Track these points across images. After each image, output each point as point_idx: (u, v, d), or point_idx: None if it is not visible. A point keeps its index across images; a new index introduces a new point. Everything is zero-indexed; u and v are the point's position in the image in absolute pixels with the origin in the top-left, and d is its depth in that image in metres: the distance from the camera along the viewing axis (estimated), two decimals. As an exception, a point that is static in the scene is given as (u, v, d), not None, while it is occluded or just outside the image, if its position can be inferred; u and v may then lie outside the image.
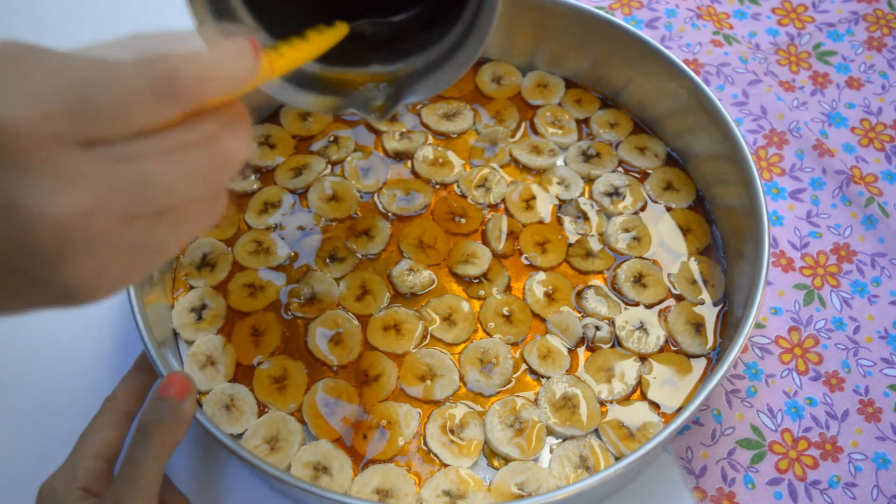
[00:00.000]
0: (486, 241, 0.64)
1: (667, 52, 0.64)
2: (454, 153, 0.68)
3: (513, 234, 0.64)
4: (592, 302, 0.60)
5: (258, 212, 0.65)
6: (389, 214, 0.65)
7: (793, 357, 0.61)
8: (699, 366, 0.58)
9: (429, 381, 0.57)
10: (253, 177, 0.67)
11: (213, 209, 0.32)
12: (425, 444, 0.55)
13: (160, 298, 0.59)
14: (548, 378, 0.57)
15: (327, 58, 0.47)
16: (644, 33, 0.65)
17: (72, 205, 0.26)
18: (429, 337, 0.59)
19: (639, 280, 0.61)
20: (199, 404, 0.56)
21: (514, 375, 0.58)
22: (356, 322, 0.60)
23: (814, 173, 0.69)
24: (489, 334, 0.59)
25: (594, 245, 0.63)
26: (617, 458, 0.54)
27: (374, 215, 0.65)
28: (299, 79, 0.52)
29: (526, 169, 0.67)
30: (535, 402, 0.56)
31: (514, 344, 0.59)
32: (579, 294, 0.61)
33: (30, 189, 0.26)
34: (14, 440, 0.58)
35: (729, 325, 0.59)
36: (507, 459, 0.54)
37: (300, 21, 0.44)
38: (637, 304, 0.61)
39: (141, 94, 0.27)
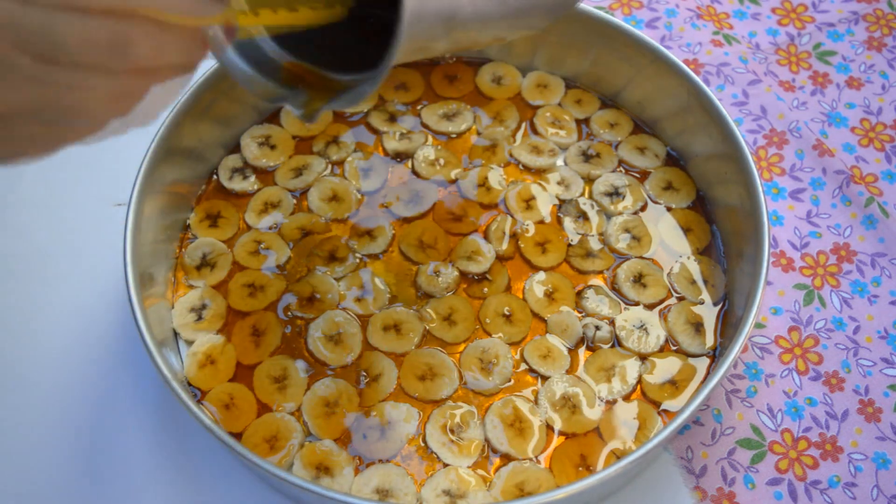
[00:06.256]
0: (487, 241, 0.64)
1: (667, 52, 0.64)
2: (454, 153, 0.68)
3: (514, 237, 0.64)
4: (592, 302, 0.60)
5: (258, 212, 0.65)
6: (399, 218, 0.65)
7: (793, 357, 0.61)
8: (699, 365, 0.58)
9: (429, 381, 0.57)
10: (253, 177, 0.67)
11: (117, 101, 0.34)
12: (425, 443, 0.55)
13: (160, 298, 0.59)
14: (548, 378, 0.57)
15: (296, 49, 0.48)
16: (644, 33, 0.65)
17: None
18: (428, 336, 0.59)
19: (639, 280, 0.61)
20: (200, 404, 0.56)
21: (514, 374, 0.58)
22: (356, 322, 0.60)
23: (814, 173, 0.69)
24: (489, 334, 0.59)
25: (594, 245, 0.63)
26: (617, 458, 0.54)
27: (377, 216, 0.65)
28: (254, 55, 0.51)
29: (526, 169, 0.68)
30: (535, 401, 0.56)
31: (514, 343, 0.59)
32: (579, 294, 0.61)
33: None
34: (13, 440, 0.59)
35: (729, 324, 0.59)
36: (507, 459, 0.54)
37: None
38: (637, 304, 0.61)
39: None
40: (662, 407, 0.56)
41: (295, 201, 0.66)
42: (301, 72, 0.50)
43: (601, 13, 0.66)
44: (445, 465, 0.54)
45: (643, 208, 0.65)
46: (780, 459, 0.57)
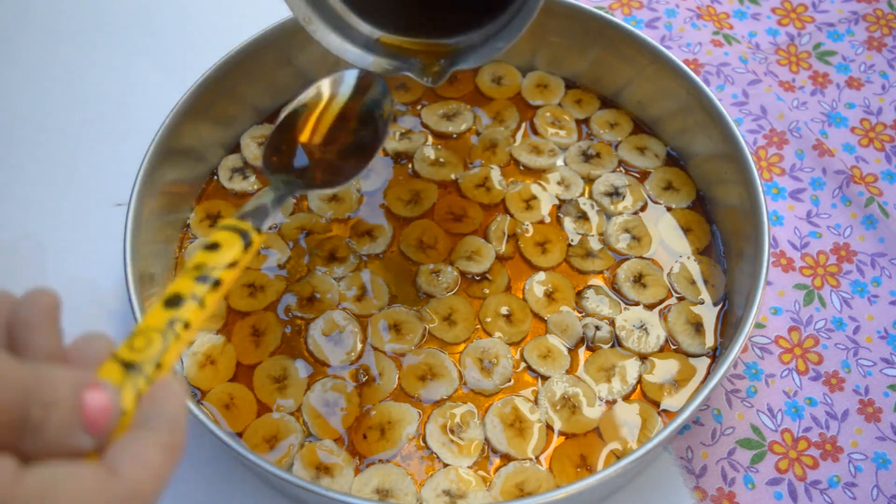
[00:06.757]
0: (487, 241, 0.64)
1: (667, 52, 0.64)
2: (454, 153, 0.68)
3: (514, 237, 0.64)
4: (592, 302, 0.60)
5: (258, 212, 0.65)
6: (399, 218, 0.65)
7: (793, 357, 0.61)
8: (700, 365, 0.58)
9: (429, 381, 0.57)
10: (253, 177, 0.67)
11: None
12: (425, 443, 0.55)
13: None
14: (548, 378, 0.57)
15: (396, 27, 0.51)
16: (644, 33, 0.65)
17: None
18: (428, 336, 0.59)
19: (639, 280, 0.61)
20: (200, 404, 0.56)
21: (514, 374, 0.58)
22: (356, 322, 0.60)
23: (814, 173, 0.69)
24: (489, 334, 0.59)
25: (594, 245, 0.63)
26: (617, 458, 0.54)
27: (377, 216, 0.65)
28: (364, 41, 0.53)
29: (526, 169, 0.68)
30: (535, 401, 0.56)
31: (514, 343, 0.59)
32: (579, 294, 0.61)
33: None
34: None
35: (729, 324, 0.59)
36: (507, 459, 0.54)
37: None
38: (637, 304, 0.61)
39: None
40: (662, 407, 0.56)
41: (295, 201, 0.66)
42: (400, 42, 0.52)
43: (601, 13, 0.66)
44: (445, 465, 0.54)
45: (643, 208, 0.65)
46: (780, 459, 0.57)
